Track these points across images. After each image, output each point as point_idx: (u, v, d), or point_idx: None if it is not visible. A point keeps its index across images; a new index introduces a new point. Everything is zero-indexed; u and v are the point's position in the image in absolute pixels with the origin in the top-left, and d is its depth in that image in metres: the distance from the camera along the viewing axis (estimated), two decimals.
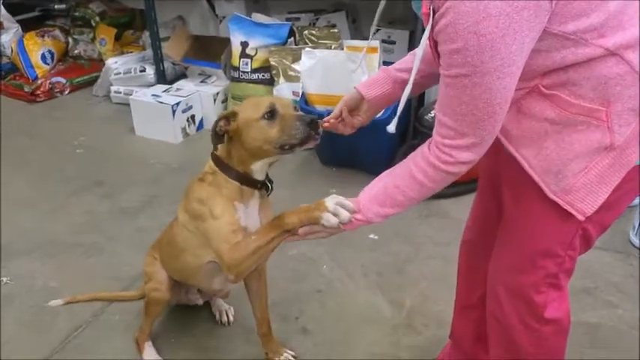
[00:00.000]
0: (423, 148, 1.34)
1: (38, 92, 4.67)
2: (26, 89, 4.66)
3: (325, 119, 1.68)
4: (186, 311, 2.30)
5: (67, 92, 4.81)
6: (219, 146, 1.65)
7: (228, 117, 1.61)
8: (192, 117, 4.01)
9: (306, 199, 3.14)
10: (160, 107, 3.87)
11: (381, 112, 3.16)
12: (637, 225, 2.77)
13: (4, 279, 2.55)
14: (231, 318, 2.29)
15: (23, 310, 2.37)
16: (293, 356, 2.09)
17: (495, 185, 1.55)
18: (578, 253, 1.41)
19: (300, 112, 1.66)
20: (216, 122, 1.60)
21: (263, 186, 1.72)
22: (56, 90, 4.76)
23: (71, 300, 2.36)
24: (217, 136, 1.62)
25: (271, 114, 1.58)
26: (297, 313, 2.34)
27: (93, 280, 2.54)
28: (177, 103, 3.87)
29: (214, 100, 4.08)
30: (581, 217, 1.30)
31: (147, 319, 2.09)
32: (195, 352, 2.17)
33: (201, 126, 4.10)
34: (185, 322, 2.30)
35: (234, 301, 2.30)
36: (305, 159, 3.70)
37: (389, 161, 3.41)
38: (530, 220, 1.40)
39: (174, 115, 3.85)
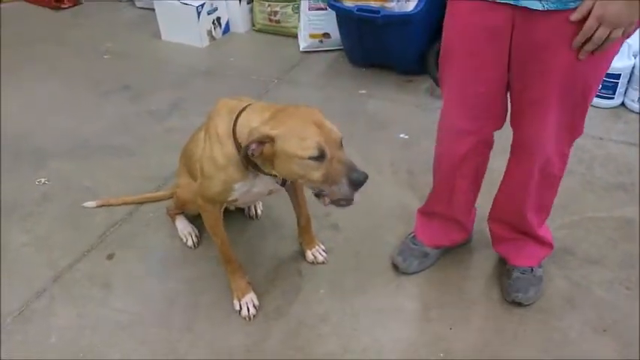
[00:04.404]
0: None
1: None
2: None
3: None
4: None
5: None
6: (238, 133, 1.58)
7: (263, 141, 1.47)
8: (218, 19, 3.91)
9: (337, 101, 3.13)
10: (184, 9, 3.77)
11: (412, 6, 3.06)
12: None
13: (42, 179, 2.62)
14: (260, 212, 2.34)
15: (61, 209, 2.44)
16: (323, 250, 2.13)
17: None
18: None
19: (348, 161, 1.48)
20: (247, 146, 1.47)
21: None
22: None
23: (104, 203, 2.42)
24: (248, 158, 1.53)
25: (319, 157, 1.45)
26: (327, 210, 2.35)
27: (126, 179, 2.59)
28: (202, 5, 3.76)
29: (239, 1, 3.94)
30: None
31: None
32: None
33: (227, 29, 4.00)
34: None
35: (265, 198, 2.32)
36: (334, 59, 3.62)
37: (420, 60, 3.31)
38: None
39: (199, 17, 3.75)
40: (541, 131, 1.64)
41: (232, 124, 1.61)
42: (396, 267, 2.06)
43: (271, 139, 1.46)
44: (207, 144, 1.71)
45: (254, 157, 1.52)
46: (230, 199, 1.75)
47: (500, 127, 1.78)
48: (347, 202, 1.51)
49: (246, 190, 1.72)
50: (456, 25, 1.62)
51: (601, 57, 1.48)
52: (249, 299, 1.94)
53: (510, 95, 1.67)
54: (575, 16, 1.37)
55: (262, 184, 1.72)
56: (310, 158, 1.45)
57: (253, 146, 1.47)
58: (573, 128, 1.66)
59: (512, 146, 1.80)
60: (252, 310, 1.92)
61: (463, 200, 1.98)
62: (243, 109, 1.62)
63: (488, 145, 1.85)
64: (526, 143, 1.71)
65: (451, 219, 2.03)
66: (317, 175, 1.47)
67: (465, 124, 1.75)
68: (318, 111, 1.55)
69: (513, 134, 1.77)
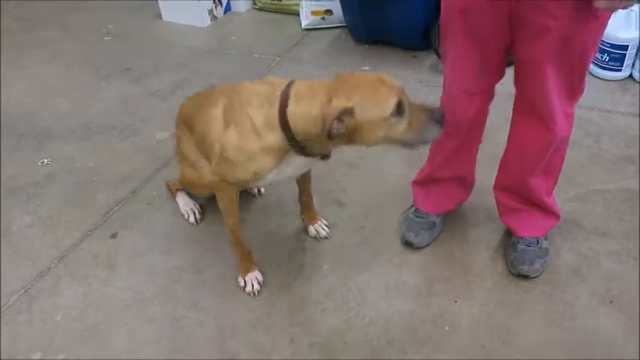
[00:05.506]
0: None
1: None
2: None
3: None
4: None
5: None
6: (294, 120, 1.50)
7: (342, 116, 1.40)
8: None
9: None
10: None
11: None
12: None
13: (45, 160, 2.62)
14: (263, 190, 2.32)
15: (65, 189, 2.44)
16: (326, 225, 2.12)
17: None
18: None
19: (427, 106, 1.49)
20: (330, 128, 1.40)
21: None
22: None
23: None
24: (297, 143, 1.51)
25: (399, 110, 1.43)
26: (330, 186, 2.34)
27: (129, 160, 2.58)
28: None
29: None
30: None
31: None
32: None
33: (228, 7, 3.96)
34: None
35: None
36: (337, 36, 3.58)
37: (424, 35, 3.27)
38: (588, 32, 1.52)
39: None
40: (544, 90, 1.63)
41: (279, 116, 1.52)
42: (409, 244, 2.04)
43: (350, 112, 1.41)
44: (234, 133, 1.62)
45: (336, 137, 1.44)
46: (255, 186, 1.72)
47: (501, 77, 1.78)
48: (437, 136, 1.52)
49: (275, 177, 1.68)
50: None
51: (595, 20, 1.49)
52: (254, 276, 1.93)
53: (513, 55, 1.67)
54: None
55: (292, 168, 1.68)
56: (392, 115, 1.42)
57: (335, 124, 1.40)
58: (574, 88, 1.67)
59: (516, 107, 1.80)
60: (257, 286, 1.92)
61: (472, 157, 2.01)
62: (287, 98, 1.52)
63: (493, 96, 1.85)
64: (530, 102, 1.71)
65: (455, 179, 2.04)
66: (402, 128, 1.45)
67: (474, 86, 1.74)
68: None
69: (517, 94, 1.77)
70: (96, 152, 2.66)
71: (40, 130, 2.84)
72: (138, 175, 2.48)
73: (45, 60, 3.56)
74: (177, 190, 2.25)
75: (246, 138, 1.59)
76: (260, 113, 1.57)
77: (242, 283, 1.93)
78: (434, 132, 1.49)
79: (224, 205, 1.85)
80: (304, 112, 1.48)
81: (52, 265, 2.07)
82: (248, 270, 1.94)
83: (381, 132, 1.45)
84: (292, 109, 1.50)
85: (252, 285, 1.92)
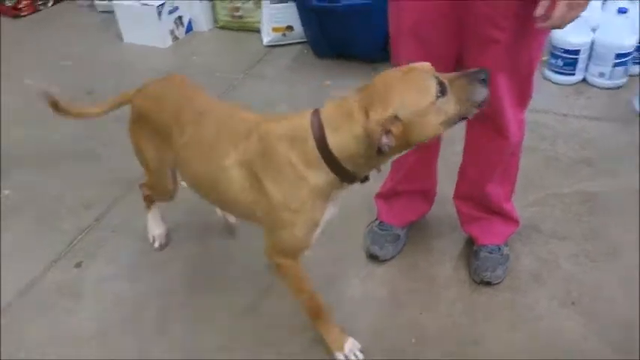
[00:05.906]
0: None
1: (21, 6, 4.50)
2: (8, 3, 4.48)
3: None
4: (190, 209, 2.34)
5: (50, 4, 4.64)
6: (338, 148, 1.36)
7: (388, 128, 1.28)
8: (180, 18, 3.87)
9: (303, 93, 3.12)
10: (144, 10, 3.72)
11: None
12: None
13: (6, 191, 2.58)
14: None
15: (27, 220, 2.41)
16: None
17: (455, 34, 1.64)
18: None
19: (462, 72, 1.38)
20: (379, 141, 1.28)
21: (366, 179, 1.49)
22: (39, 2, 4.59)
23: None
24: (382, 153, 1.32)
25: (442, 89, 1.31)
26: None
27: (93, 185, 2.56)
28: (162, 4, 3.72)
29: None
30: None
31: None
32: (206, 250, 2.21)
33: (190, 27, 3.97)
34: (191, 221, 2.34)
35: None
36: (298, 52, 3.61)
37: (385, 47, 3.31)
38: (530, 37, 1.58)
39: (160, 16, 3.71)
40: (496, 99, 1.65)
41: (319, 150, 1.37)
42: (374, 257, 2.06)
43: (394, 119, 1.29)
44: (273, 190, 1.45)
45: (388, 151, 1.33)
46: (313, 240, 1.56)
47: None
48: (484, 99, 1.39)
49: (326, 218, 1.53)
50: (403, 7, 1.66)
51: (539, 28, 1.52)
52: (352, 346, 1.75)
53: (464, 67, 1.70)
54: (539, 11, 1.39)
55: (336, 205, 1.55)
56: (438, 97, 1.31)
57: (385, 140, 1.28)
58: (523, 95, 1.74)
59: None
60: (361, 356, 1.75)
61: (433, 170, 2.07)
62: (321, 129, 1.37)
63: None
64: (483, 111, 1.73)
65: (418, 192, 2.09)
66: (452, 105, 1.34)
67: None
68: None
69: None
70: (59, 179, 2.63)
71: (3, 157, 2.79)
72: (101, 201, 2.46)
73: (5, 87, 3.50)
74: (152, 201, 2.15)
75: (290, 189, 1.43)
76: (295, 154, 1.41)
77: (342, 358, 1.74)
78: (482, 92, 1.36)
79: (295, 284, 1.68)
80: (349, 137, 1.34)
81: (15, 299, 2.03)
82: (341, 340, 1.74)
83: (434, 119, 1.32)
84: (333, 139, 1.36)
85: (357, 356, 1.75)
